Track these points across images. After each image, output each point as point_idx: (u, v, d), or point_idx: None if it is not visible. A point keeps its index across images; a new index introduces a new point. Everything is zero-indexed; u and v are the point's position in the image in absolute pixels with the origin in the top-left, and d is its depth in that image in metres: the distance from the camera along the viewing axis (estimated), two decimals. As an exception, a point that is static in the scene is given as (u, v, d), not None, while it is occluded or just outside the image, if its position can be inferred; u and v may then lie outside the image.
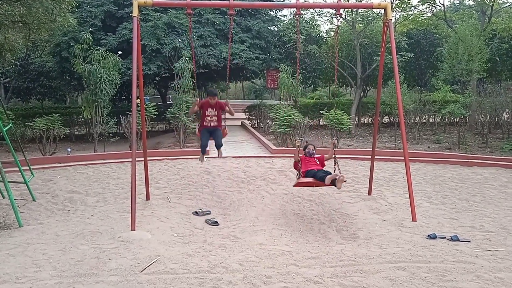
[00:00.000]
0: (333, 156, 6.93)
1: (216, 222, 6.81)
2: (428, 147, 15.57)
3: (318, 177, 6.42)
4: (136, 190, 7.57)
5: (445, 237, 5.79)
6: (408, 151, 14.05)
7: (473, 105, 16.90)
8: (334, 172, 6.57)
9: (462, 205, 7.58)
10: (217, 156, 7.91)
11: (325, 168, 6.82)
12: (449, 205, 7.59)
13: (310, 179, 6.55)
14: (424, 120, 19.38)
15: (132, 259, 4.97)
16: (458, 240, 5.67)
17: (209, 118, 7.30)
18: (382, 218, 6.89)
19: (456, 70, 16.43)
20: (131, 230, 5.89)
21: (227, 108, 7.40)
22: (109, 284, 4.33)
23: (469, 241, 5.66)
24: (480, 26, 18.91)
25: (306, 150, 7.09)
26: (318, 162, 6.91)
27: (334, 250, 5.41)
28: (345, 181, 6.57)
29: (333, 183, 6.23)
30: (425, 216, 6.86)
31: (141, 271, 4.64)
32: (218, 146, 7.42)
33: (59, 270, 4.67)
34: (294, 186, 7.08)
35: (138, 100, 18.81)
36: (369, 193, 8.18)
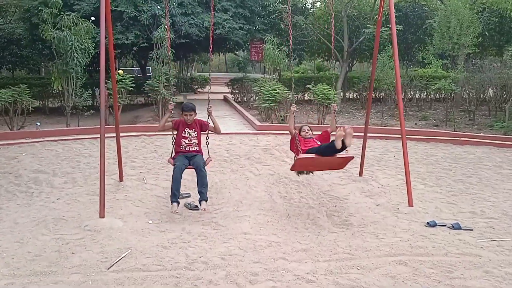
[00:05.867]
0: (335, 126, 5.73)
1: (196, 206, 6.22)
2: (415, 123, 15.18)
3: (323, 151, 5.34)
4: (105, 172, 6.88)
5: (445, 225, 5.34)
6: (396, 127, 13.57)
7: (461, 81, 16.49)
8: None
9: (459, 188, 7.15)
10: (199, 208, 5.77)
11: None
12: (445, 188, 7.15)
13: (312, 155, 5.34)
14: (410, 96, 18.95)
15: (99, 253, 4.36)
16: (460, 228, 5.23)
17: (186, 142, 5.81)
18: (375, 202, 6.41)
19: (447, 44, 15.89)
20: (100, 217, 5.25)
21: (210, 125, 5.92)
22: (69, 284, 3.73)
23: (471, 230, 5.22)
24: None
25: (303, 133, 5.90)
26: (319, 143, 5.75)
27: (327, 241, 4.90)
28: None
29: (343, 143, 5.14)
30: (421, 200, 6.40)
31: (108, 268, 4.04)
32: (201, 182, 5.64)
33: (13, 267, 4.04)
34: (292, 169, 5.74)
35: (121, 71, 17.75)
36: (360, 174, 7.68)
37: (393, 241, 4.84)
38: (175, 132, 5.92)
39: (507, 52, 15.56)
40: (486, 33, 19.99)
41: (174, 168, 5.69)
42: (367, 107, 7.72)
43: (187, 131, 5.84)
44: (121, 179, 7.12)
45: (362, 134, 11.29)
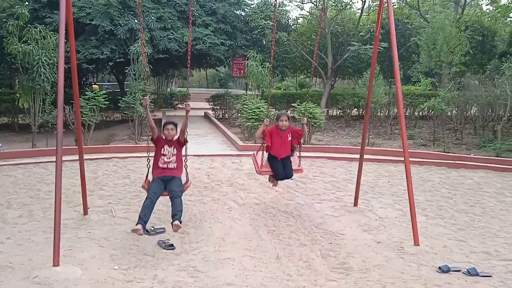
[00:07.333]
0: (303, 136, 6.76)
1: (172, 245, 5.38)
2: (403, 143, 14.66)
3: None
4: (65, 204, 6.06)
5: (459, 270, 4.63)
6: (383, 148, 12.95)
7: (445, 99, 16.12)
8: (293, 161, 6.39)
9: (464, 220, 6.49)
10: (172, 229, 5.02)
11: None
12: (449, 220, 6.49)
13: (270, 171, 6.38)
14: (394, 114, 18.52)
15: (46, 318, 3.49)
16: (478, 274, 4.51)
17: (165, 159, 5.41)
18: (375, 239, 5.69)
19: (434, 63, 15.54)
20: (54, 265, 4.36)
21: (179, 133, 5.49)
22: None
23: (490, 276, 4.52)
24: (453, 17, 18.18)
25: (280, 123, 6.20)
26: (289, 139, 6.27)
27: (326, 294, 4.13)
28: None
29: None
30: (426, 237, 5.70)
31: None
32: (175, 208, 5.04)
33: None
34: (258, 172, 6.50)
35: (96, 86, 16.68)
36: (355, 204, 6.97)
37: (404, 294, 4.10)
38: (151, 154, 5.56)
39: (488, 71, 15.27)
40: (470, 51, 19.88)
41: (147, 196, 5.20)
42: (363, 128, 7.07)
43: (166, 148, 5.48)
44: (85, 212, 6.22)
45: (350, 155, 10.71)
